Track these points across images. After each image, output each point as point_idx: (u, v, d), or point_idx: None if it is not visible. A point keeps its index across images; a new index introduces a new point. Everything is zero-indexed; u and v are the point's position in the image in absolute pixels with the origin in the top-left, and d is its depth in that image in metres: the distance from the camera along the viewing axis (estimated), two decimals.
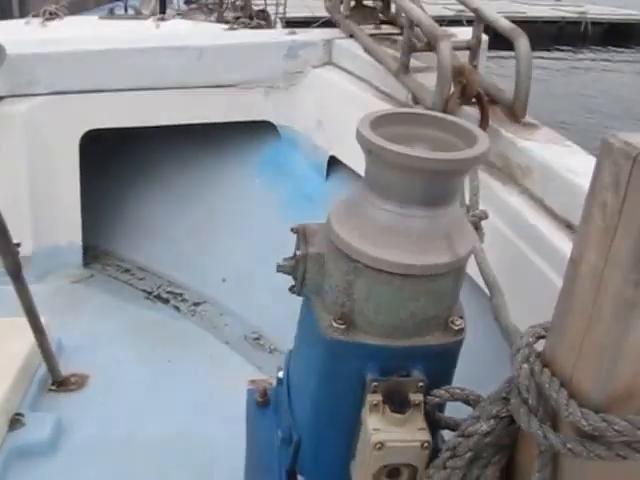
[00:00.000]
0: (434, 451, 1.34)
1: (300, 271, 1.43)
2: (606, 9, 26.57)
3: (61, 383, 2.92)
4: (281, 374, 1.81)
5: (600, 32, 25.22)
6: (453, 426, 1.39)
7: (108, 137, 3.82)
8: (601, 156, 0.93)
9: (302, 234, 1.45)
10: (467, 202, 2.01)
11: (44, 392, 2.84)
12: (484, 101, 2.39)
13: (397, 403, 1.34)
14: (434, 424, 1.41)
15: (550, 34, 23.69)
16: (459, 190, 1.38)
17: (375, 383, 1.34)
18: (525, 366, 1.10)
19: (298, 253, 1.43)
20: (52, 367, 2.83)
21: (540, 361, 1.10)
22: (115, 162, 4.32)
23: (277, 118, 3.98)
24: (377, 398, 1.34)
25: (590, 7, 26.45)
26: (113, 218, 4.31)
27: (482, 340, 2.28)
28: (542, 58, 19.59)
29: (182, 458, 2.60)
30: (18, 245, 2.37)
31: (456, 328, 1.39)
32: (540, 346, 1.15)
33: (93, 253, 4.11)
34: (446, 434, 1.46)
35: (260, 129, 4.04)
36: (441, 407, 1.47)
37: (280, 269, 1.45)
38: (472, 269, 2.22)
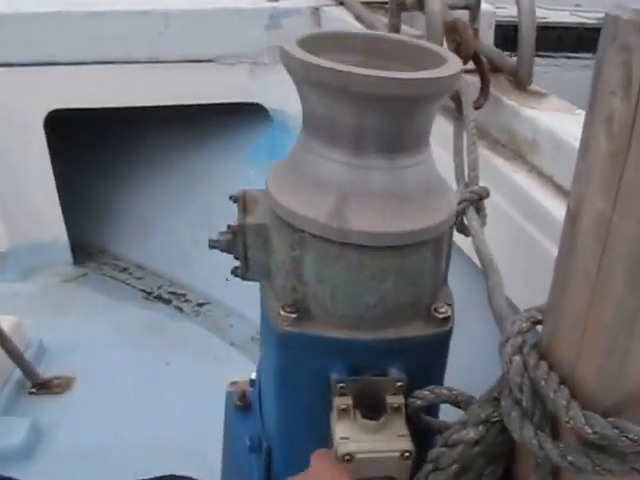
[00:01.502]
0: (423, 461, 1.10)
1: (240, 247, 1.18)
2: None
3: (42, 386, 2.74)
4: (254, 375, 1.59)
5: None
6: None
7: (80, 120, 3.54)
8: (603, 45, 0.68)
9: (241, 201, 1.20)
10: (466, 178, 1.76)
11: (22, 395, 2.64)
12: (483, 65, 2.09)
13: (371, 407, 1.11)
14: (424, 430, 1.18)
15: (570, 40, 23.36)
16: (429, 132, 1.10)
17: (341, 384, 1.10)
18: (517, 359, 0.86)
19: (233, 224, 1.18)
20: (25, 370, 2.63)
21: (536, 352, 0.86)
22: (93, 149, 4.05)
23: (267, 100, 3.62)
24: (346, 402, 1.10)
25: None
26: (101, 212, 4.07)
27: (484, 333, 2.05)
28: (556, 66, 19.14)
29: (171, 469, 2.38)
30: None
31: (440, 317, 1.14)
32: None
33: (86, 251, 3.89)
34: None
35: (250, 112, 3.71)
36: (433, 410, 1.24)
37: (213, 245, 1.21)
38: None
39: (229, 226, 1.19)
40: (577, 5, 28.37)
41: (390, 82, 0.95)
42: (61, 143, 3.55)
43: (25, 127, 3.38)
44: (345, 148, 1.03)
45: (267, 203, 1.15)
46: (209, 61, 3.49)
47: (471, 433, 0.96)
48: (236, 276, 1.24)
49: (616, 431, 0.73)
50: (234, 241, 1.19)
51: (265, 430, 1.37)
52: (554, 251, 1.70)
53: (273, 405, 1.26)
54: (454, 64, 1.01)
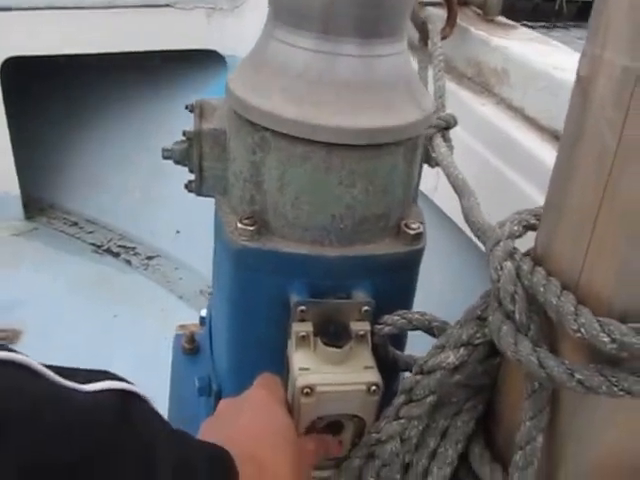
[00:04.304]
0: (390, 400, 0.94)
1: (195, 157, 1.03)
2: None
3: None
4: (204, 312, 1.42)
5: (574, 10, 25.38)
6: None
7: (33, 69, 3.30)
8: None
9: (198, 109, 1.04)
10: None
11: None
12: None
13: (334, 335, 0.95)
14: (390, 365, 1.03)
15: (525, 10, 23.76)
16: (405, 21, 0.96)
17: (302, 307, 0.94)
18: (508, 264, 0.71)
19: (188, 130, 1.02)
20: None
21: (530, 259, 0.71)
22: (45, 100, 3.78)
23: (223, 47, 3.40)
24: (306, 328, 0.94)
25: None
26: (52, 167, 3.82)
27: (457, 274, 1.91)
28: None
29: None
30: None
31: (412, 233, 0.99)
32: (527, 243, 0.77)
33: (37, 206, 3.66)
34: None
35: (205, 60, 3.47)
36: (399, 342, 1.09)
37: (167, 154, 1.05)
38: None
39: (184, 132, 1.04)
40: None
41: None
42: (14, 93, 3.31)
43: None
44: (313, 31, 0.89)
45: (227, 105, 1.00)
46: (166, 6, 3.28)
47: (451, 357, 0.80)
48: (190, 191, 1.09)
49: None
50: (189, 150, 1.04)
51: (216, 371, 1.21)
52: (527, 187, 1.58)
53: (225, 338, 1.10)
54: None
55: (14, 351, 0.57)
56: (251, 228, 0.94)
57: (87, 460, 0.56)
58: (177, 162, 1.05)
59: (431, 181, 1.80)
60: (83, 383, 0.62)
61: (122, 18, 3.21)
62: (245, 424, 0.87)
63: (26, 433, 0.53)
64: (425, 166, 1.26)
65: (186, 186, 1.08)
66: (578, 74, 0.63)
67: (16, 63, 3.14)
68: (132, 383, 0.68)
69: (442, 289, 1.91)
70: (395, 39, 0.92)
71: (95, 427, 0.59)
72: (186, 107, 1.05)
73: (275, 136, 0.91)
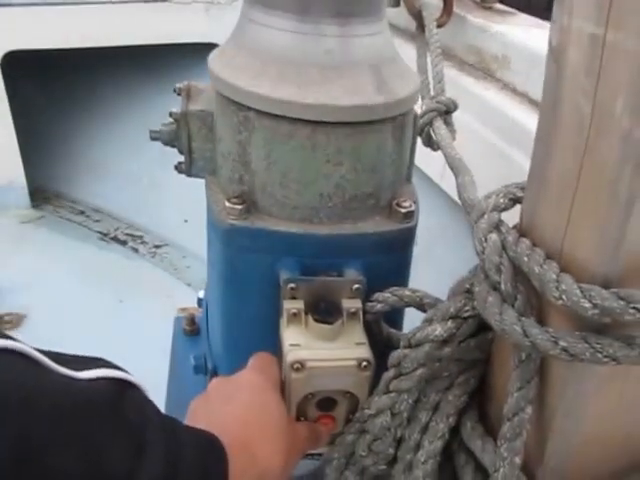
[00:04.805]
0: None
1: (183, 138, 1.02)
2: None
3: None
4: (202, 293, 1.42)
5: None
6: None
7: (36, 62, 3.30)
8: None
9: (186, 91, 1.04)
10: (431, 92, 1.58)
11: None
12: None
13: (325, 312, 0.93)
14: (384, 343, 1.02)
15: (539, 7, 23.65)
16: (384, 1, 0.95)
17: (292, 285, 0.92)
18: (493, 236, 0.69)
19: (174, 111, 1.02)
20: None
21: (515, 231, 0.70)
22: (49, 92, 3.77)
23: (222, 41, 3.40)
24: (297, 305, 0.93)
25: None
26: (58, 156, 3.80)
27: (466, 259, 1.89)
28: None
29: None
30: None
31: (403, 211, 0.97)
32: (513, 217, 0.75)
33: (43, 195, 3.65)
34: None
35: (205, 53, 3.47)
36: (395, 321, 1.07)
37: (155, 136, 1.04)
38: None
39: (171, 113, 1.03)
40: None
41: None
42: (18, 85, 3.32)
43: None
44: (291, 12, 0.88)
45: (212, 87, 1.00)
46: (164, 0, 3.27)
47: (438, 329, 0.79)
48: (180, 172, 1.08)
49: (622, 302, 0.56)
50: (177, 131, 1.03)
51: (211, 350, 1.21)
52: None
53: (219, 317, 1.09)
54: None
55: (11, 338, 0.56)
56: (239, 207, 0.93)
57: (78, 451, 0.56)
58: (166, 143, 1.04)
59: (438, 167, 1.79)
60: (79, 370, 0.62)
61: (122, 12, 3.21)
62: (237, 410, 0.85)
63: (20, 424, 0.53)
64: (431, 152, 1.25)
65: (176, 167, 1.07)
66: (550, 44, 0.62)
67: (17, 57, 3.15)
68: (126, 371, 0.68)
69: (450, 273, 1.89)
70: (374, 18, 0.92)
71: (88, 417, 0.59)
72: (174, 90, 1.05)
73: (258, 115, 0.90)
